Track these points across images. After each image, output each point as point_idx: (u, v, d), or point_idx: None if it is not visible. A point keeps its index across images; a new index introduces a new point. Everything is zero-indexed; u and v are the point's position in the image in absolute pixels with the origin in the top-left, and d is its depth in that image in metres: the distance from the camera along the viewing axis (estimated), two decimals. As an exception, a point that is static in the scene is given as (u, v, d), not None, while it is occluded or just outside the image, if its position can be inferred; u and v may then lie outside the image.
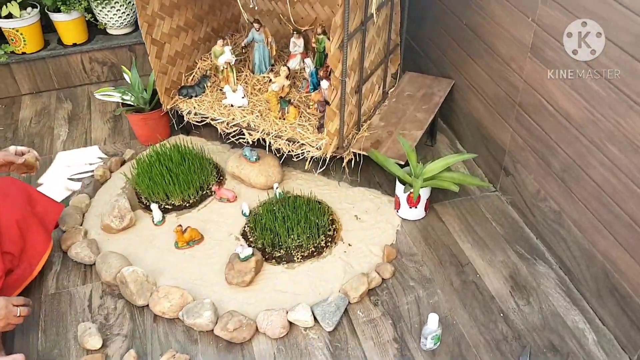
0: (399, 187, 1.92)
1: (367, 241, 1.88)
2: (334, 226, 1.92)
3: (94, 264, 1.81)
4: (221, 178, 2.16)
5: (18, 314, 1.47)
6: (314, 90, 2.16)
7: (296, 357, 1.55)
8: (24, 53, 2.62)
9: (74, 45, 2.68)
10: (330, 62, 1.69)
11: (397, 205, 1.96)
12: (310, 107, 2.10)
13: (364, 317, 1.65)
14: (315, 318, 1.63)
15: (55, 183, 2.19)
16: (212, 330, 1.60)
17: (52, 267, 1.83)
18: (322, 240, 1.86)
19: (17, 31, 2.53)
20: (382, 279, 1.75)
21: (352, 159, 2.00)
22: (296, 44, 2.28)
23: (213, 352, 1.57)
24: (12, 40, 2.57)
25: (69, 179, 2.21)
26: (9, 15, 2.50)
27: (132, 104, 2.28)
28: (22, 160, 1.71)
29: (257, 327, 1.61)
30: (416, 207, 1.93)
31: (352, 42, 1.73)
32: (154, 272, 1.79)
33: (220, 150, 2.31)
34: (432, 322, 1.50)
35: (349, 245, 1.87)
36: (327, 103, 1.98)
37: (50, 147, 2.39)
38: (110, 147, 2.37)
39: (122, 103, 2.29)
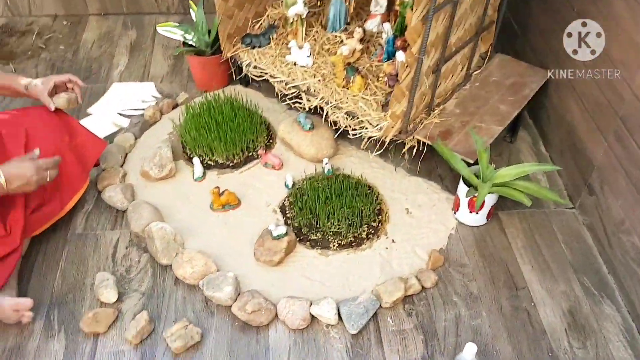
0: (462, 187, 1.70)
1: (414, 241, 1.70)
2: (380, 217, 1.75)
3: (126, 210, 1.73)
4: (271, 141, 2.01)
5: (48, 179, 1.45)
6: (387, 60, 1.93)
7: (312, 354, 1.43)
8: (97, -29, 2.52)
9: (149, -30, 2.55)
10: (409, 35, 1.46)
11: (456, 206, 1.75)
12: (380, 79, 1.88)
13: (393, 326, 1.50)
14: (340, 316, 1.48)
15: (104, 115, 2.11)
16: (231, 306, 1.50)
17: (84, 205, 1.77)
18: (364, 231, 1.70)
19: (92, -52, 2.42)
20: (422, 287, 1.58)
21: (414, 145, 1.79)
22: (378, 3, 2.03)
23: (227, 330, 1.47)
24: (87, -44, 2.46)
25: (118, 113, 2.12)
26: None
27: (193, 44, 2.14)
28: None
29: (276, 314, 1.49)
30: (477, 213, 1.71)
31: (439, 14, 1.49)
32: (184, 230, 1.69)
33: (276, 110, 2.15)
34: (469, 352, 1.32)
35: (393, 241, 1.69)
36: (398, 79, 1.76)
37: (107, 75, 2.31)
38: (167, 87, 2.26)
39: (183, 42, 2.15)
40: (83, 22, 2.60)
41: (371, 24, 2.07)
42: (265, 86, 2.19)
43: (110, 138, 1.99)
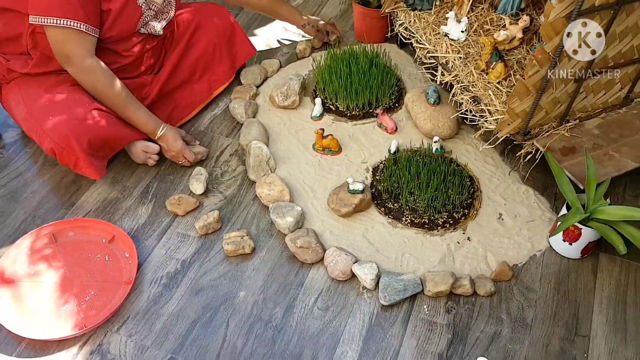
0: (564, 211, 1.54)
1: (491, 247, 1.60)
2: (466, 212, 1.67)
3: (242, 125, 1.91)
4: (397, 105, 2.00)
5: (179, 163, 1.76)
6: (540, 57, 1.77)
7: (338, 306, 1.48)
8: None
9: None
10: (544, 30, 1.33)
11: (553, 229, 1.60)
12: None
13: (427, 315, 1.46)
14: (377, 284, 1.50)
15: (266, 37, 2.29)
16: (286, 235, 1.60)
17: (215, 109, 2.00)
18: (442, 218, 1.64)
19: None
20: (474, 292, 1.50)
21: (531, 152, 1.65)
22: (556, -4, 1.85)
23: (276, 254, 1.59)
24: None
25: (278, 40, 2.29)
26: None
27: (366, -7, 2.19)
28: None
29: (322, 258, 1.56)
30: (571, 244, 1.54)
31: (593, 15, 1.32)
32: (280, 157, 1.82)
33: (418, 77, 2.12)
34: (479, 368, 1.25)
35: (468, 239, 1.62)
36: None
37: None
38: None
39: (357, -11, 2.21)
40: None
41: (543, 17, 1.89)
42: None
43: (262, 58, 2.17)
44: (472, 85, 1.75)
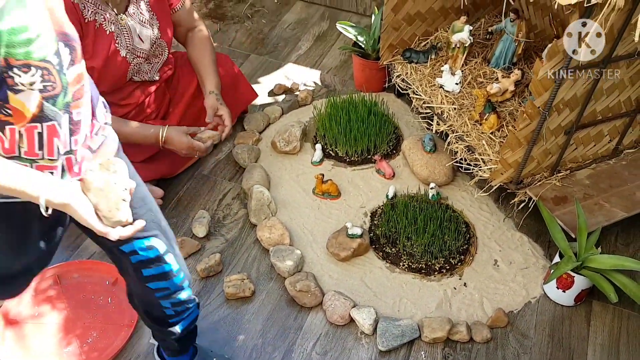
0: (557, 259, 1.59)
1: (487, 293, 1.64)
2: (462, 257, 1.71)
3: (245, 169, 1.97)
4: (394, 151, 2.07)
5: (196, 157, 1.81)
6: (532, 109, 1.85)
7: (336, 351, 1.50)
8: (314, -37, 2.80)
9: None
10: (533, 87, 1.41)
11: (547, 277, 1.64)
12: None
13: (422, 361, 1.49)
14: (375, 329, 1.52)
15: (266, 86, 2.38)
16: (285, 279, 1.64)
17: (218, 153, 2.06)
18: (438, 263, 1.69)
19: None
20: (471, 338, 1.53)
21: (524, 200, 1.70)
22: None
23: (275, 298, 1.62)
24: (308, -50, 2.76)
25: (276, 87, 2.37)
26: None
27: (362, 46, 2.29)
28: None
29: (321, 302, 1.59)
30: (564, 292, 1.58)
31: (577, 74, 1.41)
32: (280, 201, 1.87)
33: (415, 126, 2.19)
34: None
35: (465, 285, 1.66)
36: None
37: (287, 55, 2.59)
38: (329, 78, 2.45)
39: (354, 42, 2.32)
40: (290, 4, 2.92)
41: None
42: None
43: (262, 106, 2.25)
44: (467, 134, 1.82)
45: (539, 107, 1.44)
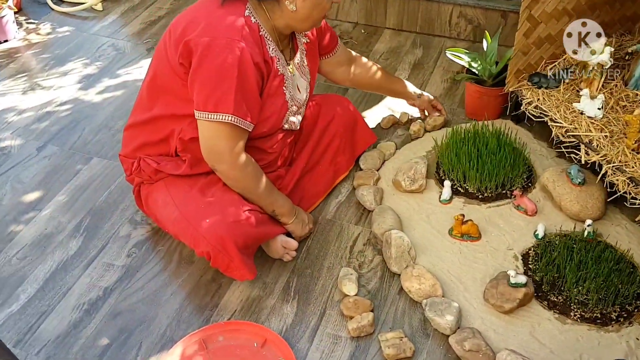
0: None
1: (676, 344, 1.44)
2: (638, 302, 1.52)
3: (372, 211, 1.84)
4: (529, 184, 1.91)
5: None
6: (696, 134, 1.67)
7: (519, 420, 1.32)
8: (405, -10, 2.69)
9: (451, -6, 2.64)
10: None
11: None
12: (683, 152, 1.64)
13: None
14: (563, 394, 1.34)
15: (371, 120, 2.25)
16: (448, 336, 1.47)
17: (338, 196, 1.93)
18: (614, 311, 1.50)
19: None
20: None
21: None
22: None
23: (439, 358, 1.46)
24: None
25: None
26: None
27: (476, 72, 2.15)
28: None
29: (493, 363, 1.42)
30: None
31: None
32: (417, 246, 1.72)
33: (543, 154, 2.03)
34: None
35: (648, 334, 1.46)
36: None
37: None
38: (436, 107, 2.32)
39: (467, 69, 2.18)
40: (378, 33, 2.82)
41: (686, 89, 1.81)
42: (538, 128, 2.09)
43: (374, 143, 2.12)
44: (625, 165, 1.65)
45: None
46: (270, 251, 1.68)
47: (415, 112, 2.25)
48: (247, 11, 1.45)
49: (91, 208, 1.88)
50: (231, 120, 1.43)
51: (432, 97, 2.13)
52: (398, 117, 2.24)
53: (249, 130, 1.49)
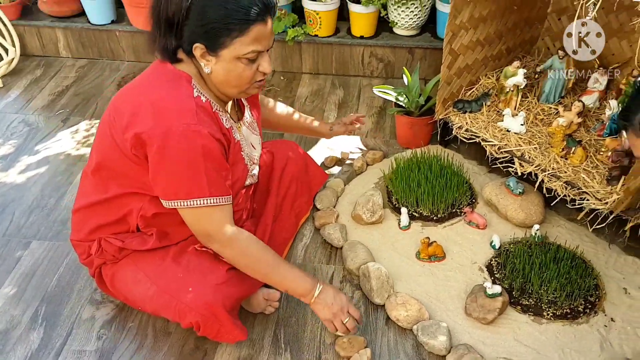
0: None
1: (635, 323, 1.61)
2: (597, 292, 1.69)
3: (341, 248, 1.87)
4: (473, 201, 2.05)
5: (345, 321, 1.49)
6: (608, 135, 1.91)
7: (527, 422, 1.39)
8: (316, 35, 2.83)
9: (361, 37, 2.81)
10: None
11: (683, 293, 1.64)
12: (602, 153, 1.87)
13: (618, 410, 1.41)
14: (559, 388, 1.44)
15: (316, 159, 2.31)
16: (444, 356, 1.53)
17: (302, 239, 1.94)
18: (580, 304, 1.65)
19: (318, 14, 2.74)
20: None
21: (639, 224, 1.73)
22: (598, 81, 2.05)
23: (439, 379, 1.50)
24: (311, 21, 2.79)
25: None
26: (315, -1, 2.72)
27: (403, 105, 2.30)
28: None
29: (491, 373, 1.49)
30: None
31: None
32: (391, 275, 1.77)
33: (475, 171, 2.21)
34: None
35: (612, 320, 1.62)
36: (628, 154, 1.74)
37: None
38: (371, 141, 2.43)
39: (395, 103, 2.32)
40: (297, 79, 2.92)
41: (589, 100, 2.07)
42: (465, 149, 2.27)
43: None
44: (559, 171, 1.84)
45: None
46: (251, 306, 1.64)
47: (353, 148, 2.34)
48: (194, 91, 1.35)
49: (44, 295, 1.72)
50: (209, 202, 1.34)
51: (344, 118, 2.08)
52: (339, 155, 2.32)
53: (230, 202, 1.41)
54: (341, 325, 1.49)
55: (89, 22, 2.90)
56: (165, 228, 1.49)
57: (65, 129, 2.49)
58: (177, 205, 1.35)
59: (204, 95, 1.38)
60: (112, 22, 2.91)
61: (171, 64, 1.36)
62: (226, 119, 1.45)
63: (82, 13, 2.93)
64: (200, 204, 1.33)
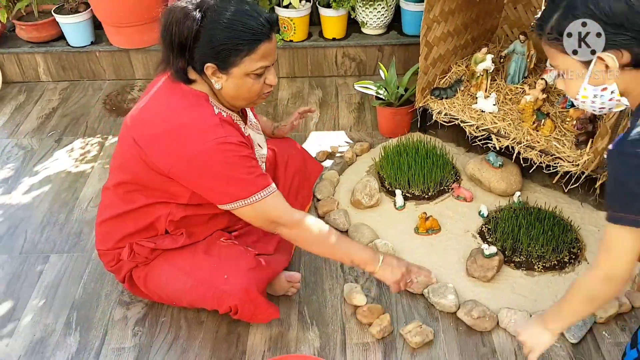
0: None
1: (614, 266, 1.83)
2: (578, 244, 1.90)
3: (347, 231, 2.02)
4: (458, 177, 2.25)
5: (414, 281, 1.54)
6: (571, 107, 2.15)
7: (535, 360, 1.58)
8: (291, 41, 2.98)
9: (333, 39, 2.98)
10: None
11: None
12: (567, 122, 2.09)
13: (610, 339, 1.62)
14: (558, 327, 1.63)
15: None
16: (454, 312, 1.70)
17: (308, 227, 2.08)
18: (565, 256, 1.85)
19: (292, 20, 2.90)
20: (632, 306, 1.69)
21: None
22: (556, 60, 2.28)
23: (454, 333, 1.67)
24: (285, 28, 2.94)
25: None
26: (287, 6, 2.87)
27: (383, 98, 2.48)
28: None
29: (498, 322, 1.67)
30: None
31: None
32: (396, 250, 1.94)
33: (455, 152, 2.41)
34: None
35: (594, 266, 1.83)
36: (592, 120, 1.97)
37: (305, 126, 2.70)
38: (355, 134, 2.61)
39: (376, 96, 2.50)
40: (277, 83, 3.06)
41: (549, 77, 2.31)
42: (442, 133, 2.47)
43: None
44: (533, 142, 2.06)
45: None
46: (275, 289, 1.77)
47: (340, 141, 2.51)
48: (215, 108, 1.42)
49: (72, 303, 1.80)
50: (263, 195, 1.42)
51: (290, 119, 2.13)
52: (329, 149, 2.48)
53: (277, 188, 1.48)
54: (408, 284, 1.53)
55: (68, 45, 2.97)
56: (193, 228, 1.60)
57: (60, 148, 2.55)
58: (235, 207, 1.42)
59: (223, 110, 1.47)
60: (92, 43, 2.98)
61: (185, 84, 1.44)
62: (244, 128, 1.57)
63: (60, 37, 2.99)
64: (257, 199, 1.41)
